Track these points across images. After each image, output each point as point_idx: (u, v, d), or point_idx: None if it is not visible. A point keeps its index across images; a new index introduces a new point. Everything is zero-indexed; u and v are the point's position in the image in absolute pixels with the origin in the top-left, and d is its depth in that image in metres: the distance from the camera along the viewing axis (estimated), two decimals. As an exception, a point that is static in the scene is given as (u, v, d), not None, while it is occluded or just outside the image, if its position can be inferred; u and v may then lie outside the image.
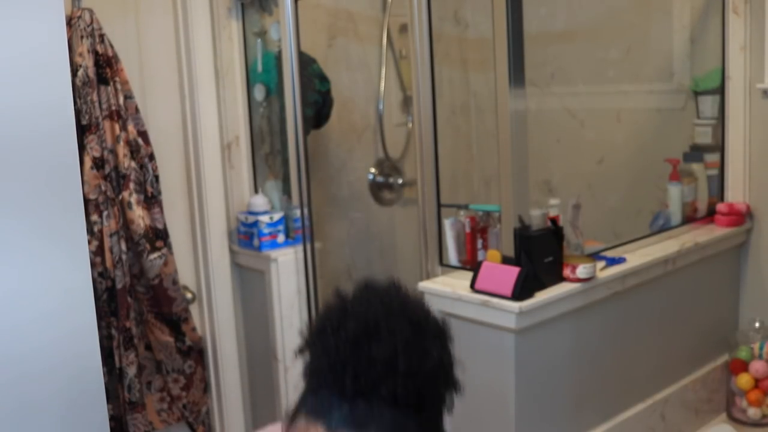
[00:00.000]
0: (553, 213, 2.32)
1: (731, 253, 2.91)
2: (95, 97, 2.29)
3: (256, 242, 2.71)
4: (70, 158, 1.33)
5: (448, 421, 0.92)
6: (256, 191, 2.83)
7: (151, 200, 2.41)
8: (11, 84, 1.25)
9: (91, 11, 2.29)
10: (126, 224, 2.36)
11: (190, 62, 2.61)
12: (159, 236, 2.42)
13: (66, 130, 1.32)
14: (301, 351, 0.91)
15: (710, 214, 2.92)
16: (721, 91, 2.91)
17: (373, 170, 3.27)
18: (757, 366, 2.72)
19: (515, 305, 2.05)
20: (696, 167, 2.94)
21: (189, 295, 2.67)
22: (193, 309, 2.69)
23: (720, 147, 2.94)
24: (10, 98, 1.25)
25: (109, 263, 2.31)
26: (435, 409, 0.87)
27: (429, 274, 2.34)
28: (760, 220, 2.87)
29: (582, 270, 2.20)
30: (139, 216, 2.36)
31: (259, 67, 2.78)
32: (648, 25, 3.16)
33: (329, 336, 0.85)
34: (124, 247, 2.33)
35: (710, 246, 2.75)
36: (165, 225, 2.45)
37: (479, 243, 2.40)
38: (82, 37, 2.26)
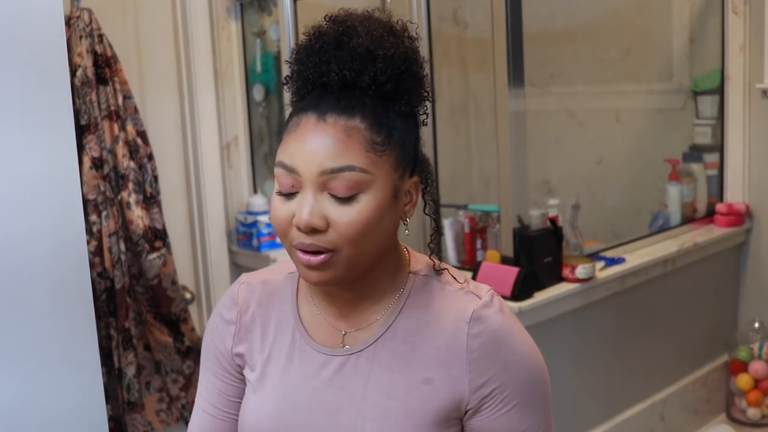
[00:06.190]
0: (552, 213, 2.32)
1: (730, 254, 2.91)
2: (94, 97, 2.28)
3: (255, 242, 2.71)
4: (68, 158, 1.33)
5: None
6: (256, 191, 2.83)
7: (150, 200, 2.41)
8: (10, 85, 1.25)
9: (90, 11, 2.29)
10: (125, 224, 2.35)
11: (189, 62, 2.61)
12: (158, 236, 2.41)
13: (65, 131, 1.32)
14: (289, 66, 0.98)
15: (710, 215, 2.92)
16: (720, 91, 2.91)
17: (372, 170, 3.26)
18: (756, 366, 2.72)
19: (514, 305, 2.05)
20: (695, 167, 2.94)
21: (188, 296, 2.67)
22: (192, 309, 2.68)
23: (719, 147, 2.94)
24: (9, 99, 1.25)
25: (108, 263, 2.30)
26: (410, 100, 0.95)
27: (428, 274, 2.33)
28: (760, 220, 2.86)
29: (581, 270, 2.20)
30: (138, 216, 2.35)
31: (258, 67, 2.78)
32: (648, 25, 3.16)
33: (313, 42, 0.94)
34: (123, 247, 2.33)
35: (709, 246, 2.75)
36: (164, 225, 2.44)
37: (478, 243, 2.40)
38: (81, 37, 2.26)
